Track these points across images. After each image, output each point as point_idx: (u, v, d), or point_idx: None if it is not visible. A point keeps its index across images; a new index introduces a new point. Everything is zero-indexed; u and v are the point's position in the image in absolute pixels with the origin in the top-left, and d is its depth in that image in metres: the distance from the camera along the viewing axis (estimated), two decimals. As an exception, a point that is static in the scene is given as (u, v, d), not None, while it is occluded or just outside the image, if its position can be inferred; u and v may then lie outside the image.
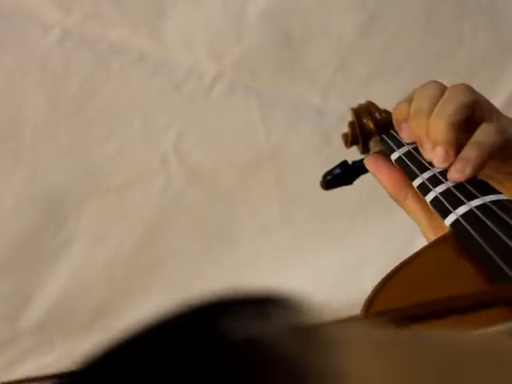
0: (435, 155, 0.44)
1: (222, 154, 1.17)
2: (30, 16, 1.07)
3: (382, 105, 0.58)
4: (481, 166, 0.43)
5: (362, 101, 0.58)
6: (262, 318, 0.15)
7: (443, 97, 0.46)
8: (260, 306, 0.15)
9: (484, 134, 0.44)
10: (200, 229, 1.20)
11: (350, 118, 0.58)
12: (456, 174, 0.43)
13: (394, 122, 0.50)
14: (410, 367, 0.15)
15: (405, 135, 0.48)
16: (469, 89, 0.46)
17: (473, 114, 0.46)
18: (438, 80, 0.49)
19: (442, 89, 0.47)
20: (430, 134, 0.44)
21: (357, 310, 0.34)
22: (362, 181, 0.57)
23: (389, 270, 0.37)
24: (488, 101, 0.47)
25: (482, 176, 0.47)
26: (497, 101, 1.05)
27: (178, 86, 1.13)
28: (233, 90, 1.13)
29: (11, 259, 1.16)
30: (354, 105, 0.58)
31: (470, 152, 0.43)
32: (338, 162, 0.59)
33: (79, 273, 1.18)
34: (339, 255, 1.19)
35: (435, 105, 0.45)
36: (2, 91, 1.11)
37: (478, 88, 0.47)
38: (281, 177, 1.18)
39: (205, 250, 1.20)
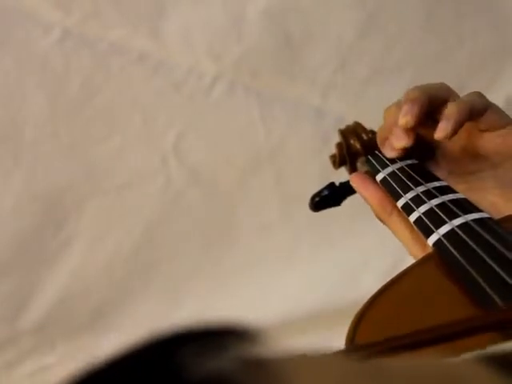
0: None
1: (221, 154, 1.17)
2: (30, 16, 1.07)
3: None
4: (461, 122, 0.44)
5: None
6: (219, 351, 0.15)
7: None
8: (217, 338, 0.16)
9: (466, 95, 0.46)
10: (200, 229, 1.20)
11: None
12: (440, 133, 0.44)
13: (378, 137, 0.51)
14: None
15: (387, 149, 0.49)
16: (481, 95, 0.47)
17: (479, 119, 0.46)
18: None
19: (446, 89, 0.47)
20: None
21: (355, 311, 0.34)
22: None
23: (388, 271, 0.37)
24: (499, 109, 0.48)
25: (451, 178, 0.47)
26: (496, 101, 1.05)
27: (178, 86, 1.13)
28: (233, 90, 1.13)
29: (11, 259, 1.16)
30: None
31: (451, 108, 0.44)
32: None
33: (79, 273, 1.18)
34: (339, 255, 1.19)
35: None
36: (2, 91, 1.11)
37: (478, 88, 0.48)
38: (281, 177, 1.18)
39: (205, 250, 1.20)
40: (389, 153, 0.49)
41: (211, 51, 1.12)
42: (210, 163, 1.17)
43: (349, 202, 0.57)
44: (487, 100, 0.47)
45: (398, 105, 0.47)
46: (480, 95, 0.46)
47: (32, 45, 1.09)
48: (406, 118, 0.45)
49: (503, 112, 0.47)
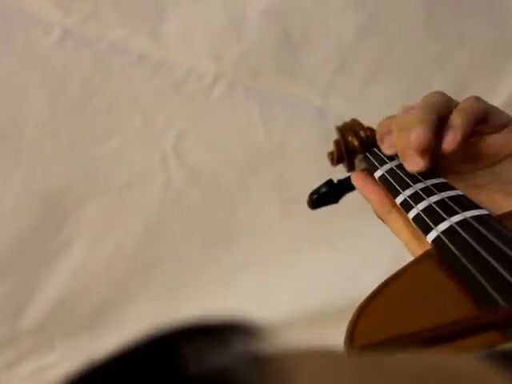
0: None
1: (221, 154, 1.17)
2: (30, 16, 1.07)
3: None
4: (468, 133, 0.44)
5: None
6: (222, 347, 0.15)
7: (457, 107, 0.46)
8: (220, 334, 0.16)
9: (465, 102, 0.46)
10: (200, 229, 1.20)
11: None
12: (448, 146, 0.44)
13: (377, 135, 0.51)
14: None
15: (386, 146, 0.49)
16: (480, 100, 0.47)
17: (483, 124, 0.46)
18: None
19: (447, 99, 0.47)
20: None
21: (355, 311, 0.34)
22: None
23: (388, 271, 0.37)
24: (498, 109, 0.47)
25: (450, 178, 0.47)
26: (496, 101, 1.05)
27: (177, 86, 1.13)
28: (233, 90, 1.13)
29: (11, 259, 1.16)
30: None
31: (456, 120, 0.44)
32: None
33: (79, 273, 1.18)
34: (339, 255, 1.19)
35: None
36: (2, 91, 1.11)
37: (478, 88, 0.48)
38: (281, 177, 1.18)
39: (205, 250, 1.20)
40: (387, 150, 0.49)
41: (211, 51, 1.12)
42: (210, 163, 1.17)
43: (348, 201, 0.57)
44: (486, 103, 0.47)
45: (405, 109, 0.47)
46: (478, 100, 0.46)
47: (32, 45, 1.09)
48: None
49: (503, 112, 0.47)
